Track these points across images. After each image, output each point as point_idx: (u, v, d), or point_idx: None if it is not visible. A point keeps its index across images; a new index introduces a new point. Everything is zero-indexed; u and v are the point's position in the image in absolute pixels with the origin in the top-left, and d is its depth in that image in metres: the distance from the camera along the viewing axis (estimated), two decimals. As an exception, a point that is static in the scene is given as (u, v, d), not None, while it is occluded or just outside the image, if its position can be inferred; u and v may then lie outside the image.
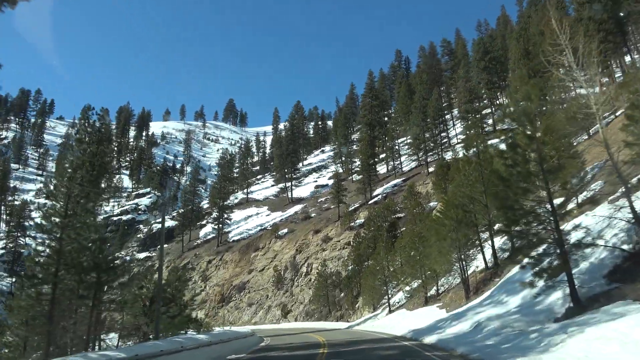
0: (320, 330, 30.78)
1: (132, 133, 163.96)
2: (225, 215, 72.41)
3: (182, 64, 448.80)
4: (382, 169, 72.92)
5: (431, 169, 54.28)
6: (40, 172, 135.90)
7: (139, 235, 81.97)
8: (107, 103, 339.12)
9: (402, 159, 70.19)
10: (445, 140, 63.96)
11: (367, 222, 45.56)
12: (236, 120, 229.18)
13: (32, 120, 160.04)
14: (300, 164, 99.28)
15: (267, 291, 52.09)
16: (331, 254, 49.00)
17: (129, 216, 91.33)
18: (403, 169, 66.52)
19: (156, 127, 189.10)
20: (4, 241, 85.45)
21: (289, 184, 79.87)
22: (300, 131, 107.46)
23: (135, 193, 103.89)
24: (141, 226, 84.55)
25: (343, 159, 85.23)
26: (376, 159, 65.94)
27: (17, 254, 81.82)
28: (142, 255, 75.05)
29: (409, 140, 70.61)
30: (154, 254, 75.60)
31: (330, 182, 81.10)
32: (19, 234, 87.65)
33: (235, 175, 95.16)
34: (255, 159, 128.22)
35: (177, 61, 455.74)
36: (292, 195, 79.41)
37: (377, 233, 40.87)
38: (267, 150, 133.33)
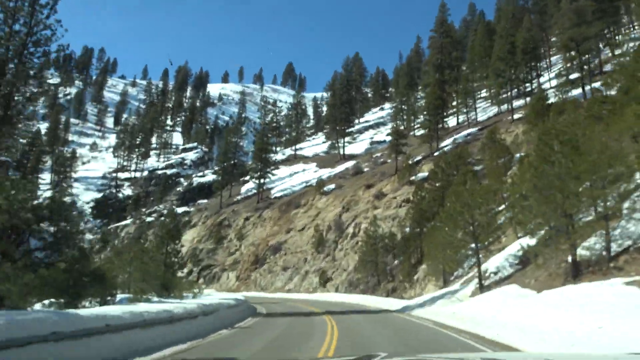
0: (361, 312, 21.00)
1: (189, 93, 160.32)
2: (270, 170, 63.90)
3: (243, 25, 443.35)
4: (451, 121, 60.83)
5: (517, 116, 42.07)
6: (98, 127, 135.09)
7: (178, 189, 75.81)
8: (166, 63, 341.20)
9: (479, 105, 57.58)
10: (535, 87, 50.66)
11: (433, 174, 34.73)
12: (295, 84, 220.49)
13: (94, 77, 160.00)
14: (357, 121, 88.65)
15: (306, 254, 43.05)
16: (385, 212, 38.70)
17: (174, 170, 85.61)
18: (478, 119, 54.15)
19: (214, 89, 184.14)
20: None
21: (341, 140, 69.63)
22: (356, 83, 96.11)
23: (182, 147, 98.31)
24: (182, 179, 78.34)
25: (404, 114, 73.48)
26: (445, 110, 54.13)
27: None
28: (180, 210, 68.76)
29: (484, 94, 57.82)
30: (192, 209, 69.08)
31: (388, 138, 70.46)
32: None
33: (283, 128, 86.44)
34: (311, 123, 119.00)
35: (238, 22, 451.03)
36: (344, 151, 69.28)
37: (446, 183, 30.02)
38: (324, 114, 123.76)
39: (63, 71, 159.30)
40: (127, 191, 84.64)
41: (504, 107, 48.17)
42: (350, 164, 61.15)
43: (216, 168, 74.06)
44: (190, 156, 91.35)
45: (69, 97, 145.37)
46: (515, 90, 47.04)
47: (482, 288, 14.60)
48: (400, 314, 18.49)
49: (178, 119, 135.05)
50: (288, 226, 48.79)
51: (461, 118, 58.94)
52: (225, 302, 16.85)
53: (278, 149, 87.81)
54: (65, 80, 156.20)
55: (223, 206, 64.86)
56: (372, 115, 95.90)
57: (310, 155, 76.72)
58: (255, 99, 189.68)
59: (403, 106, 74.29)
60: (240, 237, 55.32)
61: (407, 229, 32.54)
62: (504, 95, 47.41)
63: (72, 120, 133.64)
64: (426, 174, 38.70)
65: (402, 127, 61.81)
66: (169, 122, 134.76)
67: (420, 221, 30.26)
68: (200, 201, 70.83)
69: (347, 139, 70.91)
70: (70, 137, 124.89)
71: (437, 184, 32.48)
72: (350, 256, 37.52)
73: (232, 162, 70.60)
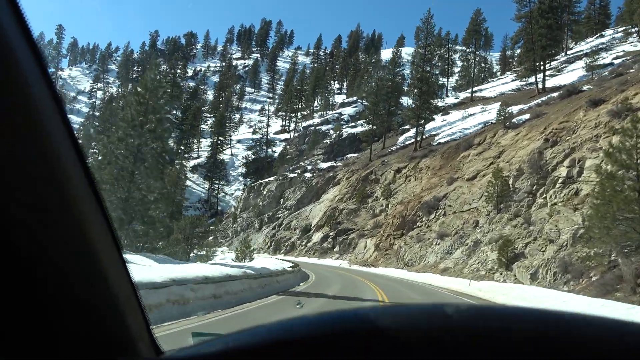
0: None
1: (362, 58, 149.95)
2: (432, 106, 47.05)
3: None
4: None
5: None
6: (270, 94, 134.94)
7: (325, 141, 64.36)
8: (340, 29, 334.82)
9: None
10: None
11: None
12: (479, 43, 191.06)
13: (271, 48, 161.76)
14: (562, 54, 63.98)
15: (476, 214, 25.94)
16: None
17: (329, 126, 74.67)
18: None
19: (387, 53, 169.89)
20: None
21: (540, 74, 47.95)
22: (560, 7, 69.84)
23: (340, 102, 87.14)
24: (331, 131, 66.69)
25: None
26: None
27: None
28: (325, 165, 57.17)
29: None
30: (339, 164, 56.71)
31: (617, 61, 46.33)
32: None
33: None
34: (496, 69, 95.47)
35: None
36: (544, 84, 47.73)
37: None
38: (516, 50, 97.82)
39: (244, 44, 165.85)
40: (279, 149, 77.53)
41: None
42: (554, 94, 40.22)
43: (370, 116, 59.95)
44: (348, 111, 79.27)
45: (246, 68, 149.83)
46: None
47: None
48: None
49: (345, 82, 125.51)
50: (451, 175, 31.87)
51: None
52: None
53: (450, 93, 69.32)
54: (245, 52, 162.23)
55: (373, 159, 50.73)
56: (585, 45, 68.99)
57: (494, 96, 56.61)
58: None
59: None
60: (387, 194, 40.47)
61: None
62: None
63: (248, 89, 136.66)
64: None
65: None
66: (336, 85, 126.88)
67: None
68: (349, 155, 58.06)
69: (549, 71, 49.04)
70: (244, 105, 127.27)
71: None
72: (563, 216, 19.35)
73: (388, 108, 55.65)
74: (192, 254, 29.96)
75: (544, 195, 22.03)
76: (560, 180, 21.65)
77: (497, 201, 24.55)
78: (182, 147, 73.99)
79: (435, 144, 44.00)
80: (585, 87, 32.90)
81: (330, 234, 42.20)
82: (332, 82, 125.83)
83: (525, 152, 26.25)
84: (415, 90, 45.86)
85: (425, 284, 20.61)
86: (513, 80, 61.28)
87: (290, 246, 47.59)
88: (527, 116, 32.82)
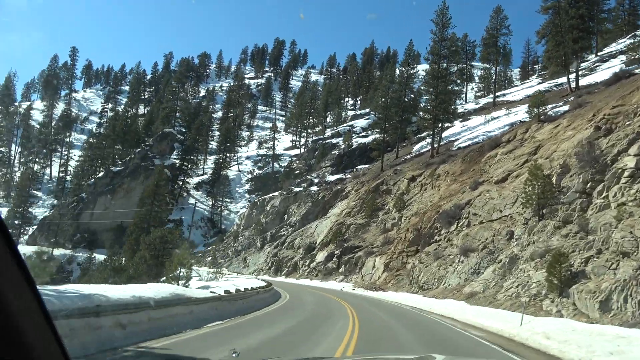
0: None
1: (376, 73, 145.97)
2: (451, 107, 41.64)
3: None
4: None
5: None
6: (282, 112, 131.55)
7: (333, 152, 59.28)
8: (354, 48, 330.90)
9: None
10: None
11: None
12: (498, 59, 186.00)
13: (284, 67, 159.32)
14: (592, 56, 58.12)
15: (509, 222, 20.23)
16: None
17: (340, 139, 69.77)
18: None
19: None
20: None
21: (572, 73, 42.29)
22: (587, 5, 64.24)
23: (352, 115, 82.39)
24: (340, 141, 61.65)
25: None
26: None
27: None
28: (333, 178, 52.05)
29: None
30: (348, 176, 51.46)
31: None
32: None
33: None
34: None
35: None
36: (577, 82, 42.00)
37: None
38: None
39: (257, 64, 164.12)
40: (286, 164, 72.71)
41: None
42: (598, 80, 34.46)
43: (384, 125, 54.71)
44: (361, 123, 74.27)
45: (259, 87, 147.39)
46: None
47: None
48: None
49: (358, 99, 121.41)
50: (475, 179, 26.24)
51: None
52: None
53: (469, 100, 63.94)
54: (258, 72, 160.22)
55: (385, 168, 45.36)
56: (617, 46, 63.01)
57: (519, 99, 50.94)
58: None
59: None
60: (400, 205, 34.90)
61: None
62: None
63: (260, 107, 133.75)
64: None
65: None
66: (349, 102, 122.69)
67: None
68: (359, 167, 52.76)
69: (580, 71, 43.36)
70: (256, 122, 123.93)
71: None
72: (639, 220, 13.70)
73: (400, 117, 50.43)
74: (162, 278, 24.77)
75: (605, 194, 16.31)
76: (626, 174, 15.97)
77: (537, 205, 18.87)
78: (185, 163, 69.87)
79: (454, 149, 38.49)
80: (637, 71, 27.18)
81: (336, 252, 36.65)
82: (345, 98, 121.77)
83: (571, 145, 20.60)
84: (431, 90, 40.58)
85: (444, 319, 14.71)
86: (540, 83, 55.52)
87: (293, 266, 42.12)
88: (565, 108, 27.20)
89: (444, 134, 44.60)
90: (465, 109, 53.87)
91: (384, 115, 46.92)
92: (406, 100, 49.32)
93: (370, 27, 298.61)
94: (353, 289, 27.37)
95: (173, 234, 25.50)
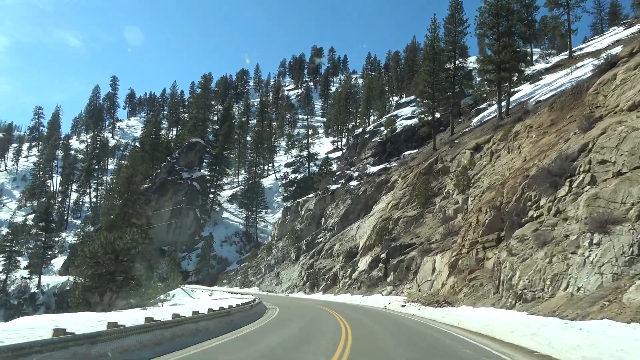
0: None
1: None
2: (520, 65, 31.47)
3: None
4: None
5: None
6: (323, 119, 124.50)
7: (374, 140, 50.00)
8: (393, 48, 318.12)
9: None
10: None
11: None
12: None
13: (323, 73, 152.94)
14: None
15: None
16: None
17: (382, 128, 60.54)
18: None
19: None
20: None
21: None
22: None
23: (397, 102, 72.87)
24: (382, 127, 52.35)
25: None
26: None
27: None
28: (375, 169, 42.89)
29: None
30: (393, 164, 42.05)
31: None
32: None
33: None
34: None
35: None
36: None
37: None
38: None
39: (296, 74, 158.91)
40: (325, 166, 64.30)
41: None
42: None
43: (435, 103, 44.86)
44: (406, 111, 64.70)
45: (299, 97, 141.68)
46: None
47: None
48: None
49: (403, 94, 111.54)
50: (584, 118, 16.33)
51: None
52: None
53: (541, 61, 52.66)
54: (297, 82, 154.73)
55: (439, 147, 35.61)
56: None
57: (602, 47, 39.53)
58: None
59: None
60: (464, 184, 25.09)
61: None
62: None
63: (301, 116, 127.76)
64: None
65: None
66: (394, 99, 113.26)
67: None
68: (406, 153, 43.15)
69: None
70: (296, 131, 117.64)
71: None
72: None
73: (452, 89, 40.47)
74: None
75: None
76: None
77: None
78: (214, 174, 63.30)
79: (532, 103, 28.23)
80: None
81: (381, 255, 27.27)
82: (388, 96, 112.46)
83: None
84: (490, 32, 30.58)
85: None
86: (627, 28, 43.67)
87: (332, 279, 33.06)
88: None
89: (512, 98, 34.31)
90: (535, 70, 43.08)
91: (431, 80, 37.21)
92: (458, 62, 39.30)
93: (412, 22, 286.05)
94: (403, 306, 18.01)
95: (133, 235, 17.39)
